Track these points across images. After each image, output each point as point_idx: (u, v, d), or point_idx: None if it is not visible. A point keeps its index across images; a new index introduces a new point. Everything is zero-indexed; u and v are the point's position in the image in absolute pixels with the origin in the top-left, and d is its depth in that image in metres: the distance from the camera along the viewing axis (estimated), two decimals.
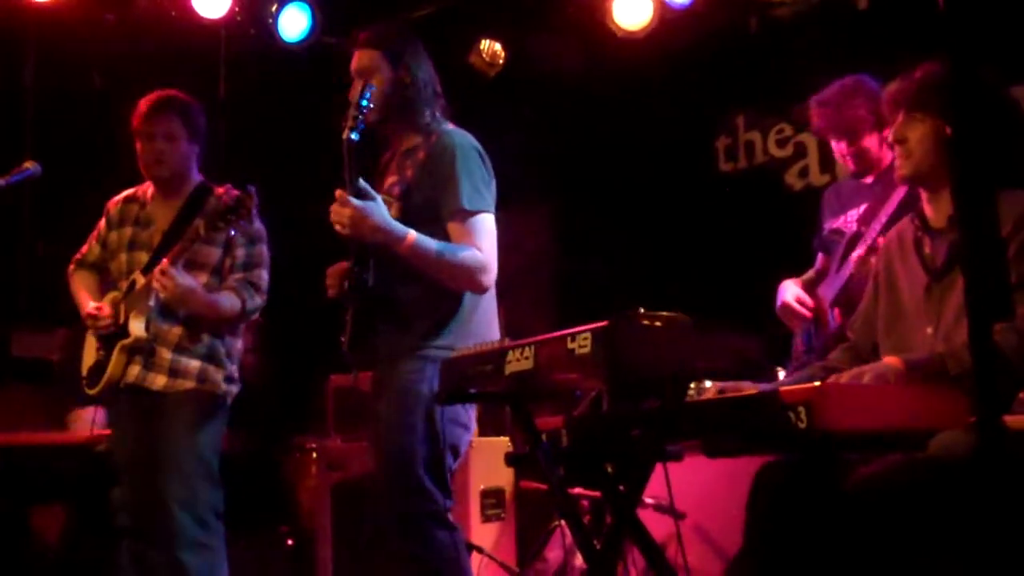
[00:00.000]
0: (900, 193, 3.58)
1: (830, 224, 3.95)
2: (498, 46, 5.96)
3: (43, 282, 5.58)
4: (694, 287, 5.18)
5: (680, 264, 5.62)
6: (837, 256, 3.81)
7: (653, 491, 3.16)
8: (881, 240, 3.56)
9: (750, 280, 5.05)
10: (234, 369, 3.83)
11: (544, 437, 2.63)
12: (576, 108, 6.18)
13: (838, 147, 3.92)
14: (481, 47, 5.93)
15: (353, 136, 3.09)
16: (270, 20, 5.63)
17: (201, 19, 5.52)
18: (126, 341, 3.69)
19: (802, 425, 2.10)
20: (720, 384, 2.53)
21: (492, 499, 4.60)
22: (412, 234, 3.08)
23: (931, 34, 1.57)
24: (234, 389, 3.82)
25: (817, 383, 2.22)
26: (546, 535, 4.48)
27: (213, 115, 5.52)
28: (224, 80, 6.02)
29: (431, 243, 3.09)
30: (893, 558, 2.36)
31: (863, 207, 3.78)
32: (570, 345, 2.24)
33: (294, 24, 5.69)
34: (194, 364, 3.72)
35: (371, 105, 3.13)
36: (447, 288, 3.15)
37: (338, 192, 3.06)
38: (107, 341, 3.76)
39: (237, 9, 5.56)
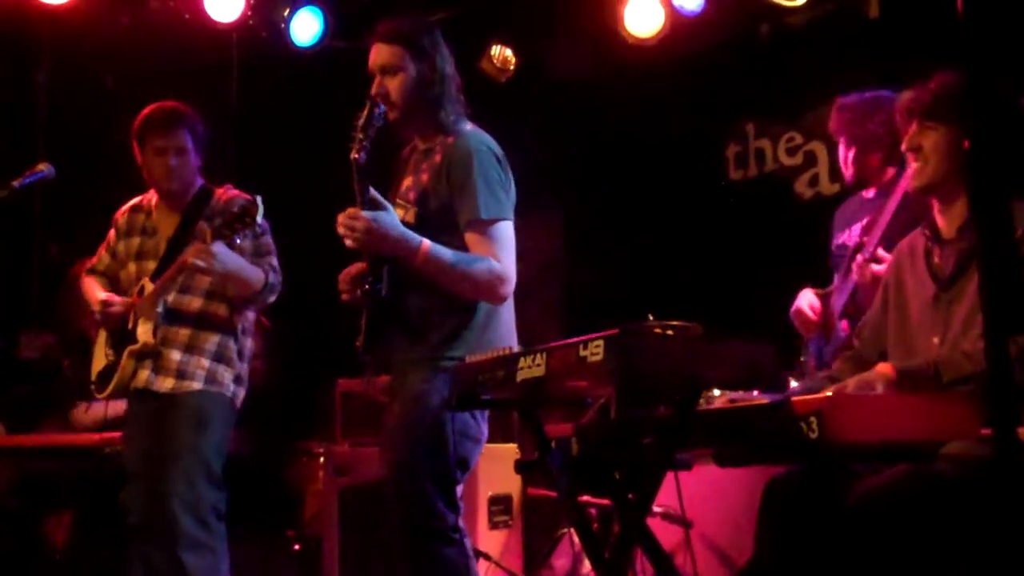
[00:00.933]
0: (894, 202, 3.59)
1: (836, 240, 3.99)
2: (509, 52, 5.97)
3: (54, 283, 5.61)
4: (704, 295, 5.18)
5: (690, 272, 5.61)
6: (843, 269, 3.83)
7: (662, 499, 3.16)
8: (881, 249, 3.57)
9: (760, 289, 5.05)
10: (244, 368, 3.84)
11: (553, 444, 2.63)
12: (587, 114, 6.18)
13: (845, 152, 3.93)
14: (492, 53, 5.94)
15: (362, 157, 3.01)
16: (282, 24, 5.64)
17: (213, 23, 5.53)
18: (134, 347, 3.70)
19: (813, 435, 2.10)
20: (730, 393, 2.52)
21: (500, 506, 4.59)
22: (426, 244, 3.00)
23: (946, 43, 1.57)
24: (241, 392, 3.83)
25: (828, 393, 2.21)
26: (553, 542, 4.48)
27: (225, 118, 5.54)
28: (236, 83, 6.04)
29: (446, 253, 3.02)
30: (902, 569, 2.35)
31: (866, 220, 3.81)
32: (582, 352, 2.24)
33: (306, 28, 5.70)
34: (204, 363, 3.73)
35: (381, 123, 3.06)
36: (462, 298, 3.09)
37: (349, 209, 3.00)
38: (116, 345, 3.77)
39: (249, 13, 5.57)
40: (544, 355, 2.37)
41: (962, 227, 2.69)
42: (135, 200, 4.00)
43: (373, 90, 3.15)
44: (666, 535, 3.15)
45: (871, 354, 2.82)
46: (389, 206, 3.04)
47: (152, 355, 3.71)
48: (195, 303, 3.77)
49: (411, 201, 3.18)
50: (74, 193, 5.26)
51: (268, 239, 3.84)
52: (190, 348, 3.73)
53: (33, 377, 5.05)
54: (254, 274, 3.71)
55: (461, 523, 3.08)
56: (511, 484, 4.61)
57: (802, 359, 3.86)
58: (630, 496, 2.47)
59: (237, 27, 5.63)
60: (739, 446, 2.33)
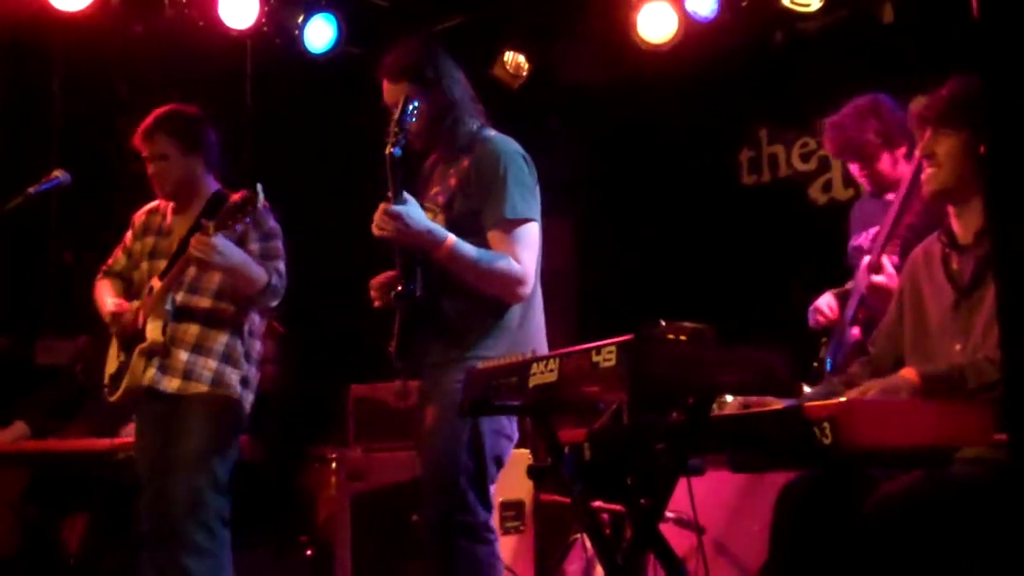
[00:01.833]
0: (894, 209, 3.59)
1: (853, 242, 3.98)
2: (522, 58, 5.97)
3: (69, 290, 5.64)
4: (717, 301, 5.17)
5: (704, 277, 5.60)
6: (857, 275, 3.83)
7: (675, 505, 3.15)
8: (885, 257, 3.57)
9: (774, 294, 5.04)
10: (251, 371, 3.81)
11: (566, 450, 2.62)
12: (600, 120, 6.18)
13: (853, 168, 3.93)
14: (505, 59, 5.94)
15: (396, 151, 3.06)
16: (296, 31, 5.66)
17: (228, 30, 5.55)
18: (143, 344, 3.70)
19: (827, 441, 2.09)
20: (744, 399, 2.52)
21: (512, 511, 4.59)
22: (452, 238, 3.08)
23: (960, 48, 1.56)
24: (249, 395, 3.79)
25: (843, 399, 2.21)
26: (565, 548, 4.47)
27: (239, 125, 5.56)
28: (250, 90, 6.06)
29: (470, 249, 3.09)
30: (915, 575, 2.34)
31: (868, 258, 3.80)
32: (595, 358, 2.24)
33: (320, 35, 5.71)
34: (211, 365, 3.71)
35: (414, 120, 3.11)
36: (493, 299, 3.15)
37: (381, 205, 3.06)
38: (127, 346, 3.78)
39: (263, 20, 5.59)
40: (556, 361, 2.37)
41: (979, 233, 2.67)
42: (154, 203, 4.01)
43: (392, 117, 3.17)
44: (679, 541, 3.14)
45: (886, 361, 2.81)
46: (414, 200, 3.10)
47: (161, 352, 3.70)
48: (204, 302, 3.76)
49: (440, 205, 3.24)
50: (89, 200, 5.29)
51: (278, 243, 3.82)
52: (198, 348, 3.72)
53: (59, 381, 5.05)
54: (257, 272, 3.68)
55: (493, 524, 3.12)
56: (523, 490, 4.60)
57: (815, 364, 3.84)
58: (643, 502, 2.46)
59: (251, 34, 5.65)
60: (752, 452, 2.32)
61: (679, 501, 2.60)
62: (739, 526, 3.72)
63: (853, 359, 3.46)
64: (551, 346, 3.30)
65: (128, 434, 4.28)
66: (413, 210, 3.07)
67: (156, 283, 3.75)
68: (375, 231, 3.10)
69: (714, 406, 2.45)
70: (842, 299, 3.89)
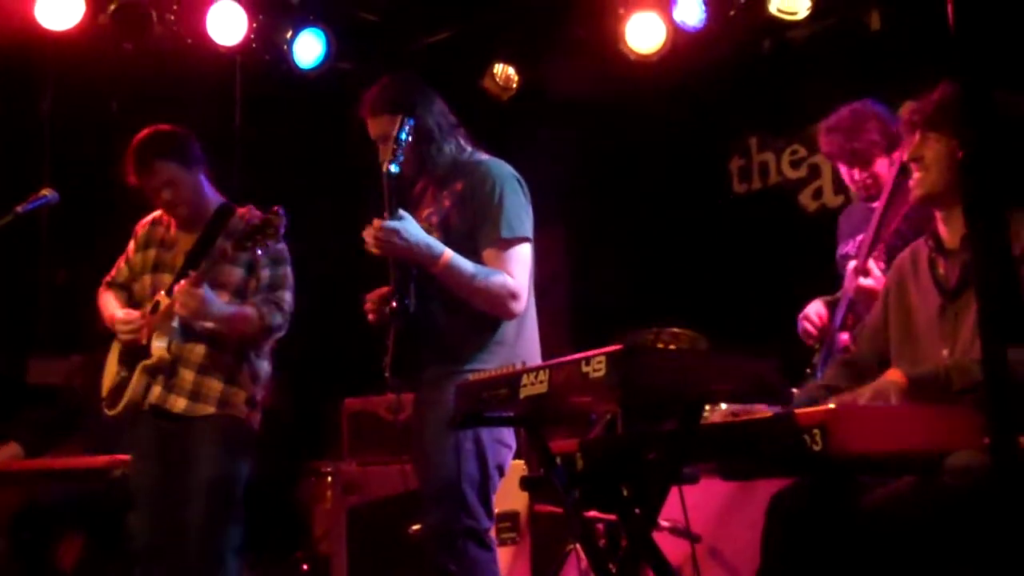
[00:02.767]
0: (878, 214, 3.60)
1: (841, 249, 3.98)
2: (511, 70, 5.98)
3: (61, 309, 5.62)
4: (708, 309, 5.17)
5: (694, 286, 5.61)
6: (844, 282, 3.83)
7: (668, 514, 3.15)
8: (872, 261, 3.58)
9: (764, 302, 5.05)
10: (257, 391, 3.77)
11: (559, 460, 2.63)
12: (590, 130, 6.19)
13: (849, 172, 3.92)
14: (495, 71, 5.96)
15: (393, 168, 3.13)
16: (285, 47, 5.67)
17: (216, 46, 5.56)
18: (148, 361, 3.67)
19: (817, 448, 2.10)
20: (733, 407, 2.52)
21: (507, 522, 4.58)
22: (448, 253, 3.13)
23: (943, 56, 1.57)
24: (256, 415, 3.77)
25: (832, 406, 2.21)
26: (561, 558, 4.46)
27: (229, 141, 5.57)
28: (240, 106, 6.06)
29: (467, 264, 3.15)
30: None
31: (854, 263, 3.81)
32: (584, 369, 2.24)
33: (309, 50, 5.72)
34: (216, 386, 3.69)
35: (410, 138, 3.18)
36: (484, 313, 3.20)
37: (376, 220, 3.10)
38: (129, 361, 3.75)
39: (252, 36, 5.60)
40: (547, 372, 2.37)
41: (965, 237, 2.68)
42: (157, 213, 3.97)
43: (381, 157, 3.25)
44: (673, 550, 3.15)
45: (870, 361, 2.81)
46: (411, 217, 3.15)
47: (166, 371, 3.68)
48: (210, 323, 3.70)
49: (434, 225, 3.30)
50: (79, 218, 5.29)
51: (286, 270, 3.79)
52: (204, 368, 3.69)
53: (52, 400, 5.03)
54: (248, 316, 3.67)
55: (493, 535, 3.17)
56: (518, 501, 4.60)
57: (807, 371, 3.85)
58: (636, 511, 2.47)
59: (240, 50, 5.66)
60: (743, 459, 2.33)
61: (673, 510, 2.60)
62: (732, 534, 3.72)
63: (832, 360, 3.48)
64: (544, 354, 3.32)
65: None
66: (410, 225, 3.12)
67: (163, 299, 3.69)
68: (370, 246, 3.12)
69: (705, 414, 2.46)
70: (831, 306, 3.90)
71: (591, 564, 2.64)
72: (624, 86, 5.74)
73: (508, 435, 3.22)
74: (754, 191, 5.88)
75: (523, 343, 3.27)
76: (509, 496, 4.56)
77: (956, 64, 1.45)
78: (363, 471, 5.00)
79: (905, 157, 2.83)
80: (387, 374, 3.21)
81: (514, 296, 3.19)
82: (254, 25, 5.56)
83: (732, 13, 5.22)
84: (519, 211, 3.24)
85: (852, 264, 3.68)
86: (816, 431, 2.10)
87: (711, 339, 2.77)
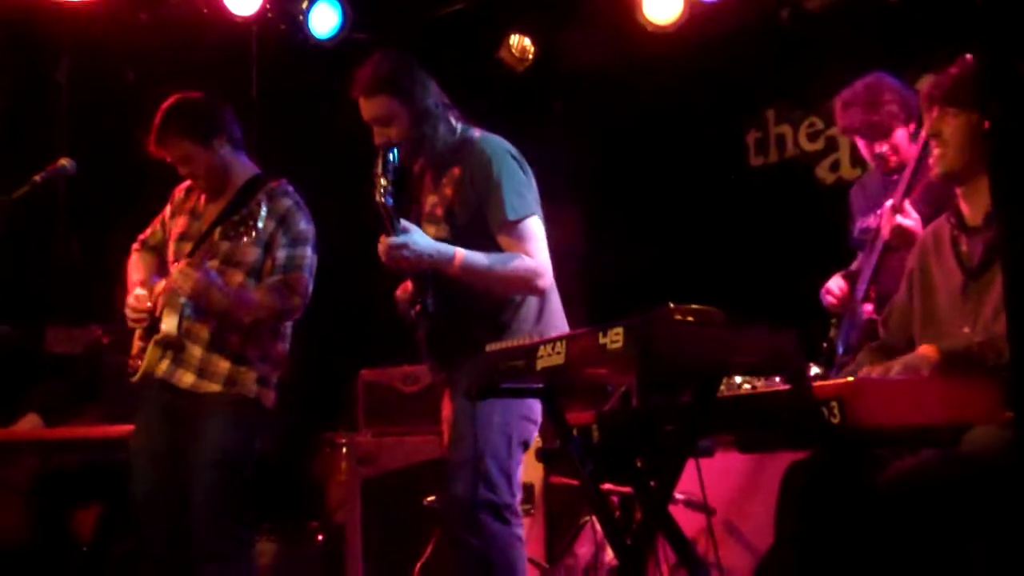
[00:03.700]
0: (906, 178, 3.56)
1: (861, 223, 3.94)
2: (527, 41, 5.95)
3: (78, 278, 5.64)
4: (725, 282, 5.16)
5: (711, 259, 5.59)
6: (866, 251, 3.81)
7: (684, 487, 3.16)
8: (907, 202, 3.56)
9: (781, 274, 5.04)
10: (268, 371, 3.72)
11: (575, 432, 2.63)
12: (605, 103, 6.16)
13: (868, 147, 3.89)
14: (510, 42, 5.93)
15: (388, 201, 3.13)
16: (301, 17, 5.65)
17: (232, 16, 5.55)
18: (158, 336, 3.65)
19: (835, 420, 2.10)
20: (752, 379, 2.52)
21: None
22: (460, 253, 3.15)
23: (967, 26, 1.56)
24: (269, 393, 3.71)
25: (850, 378, 2.21)
26: (576, 530, 4.48)
27: (244, 111, 5.57)
28: (256, 76, 6.05)
29: (480, 258, 3.16)
30: (925, 554, 2.34)
31: (891, 202, 3.77)
32: (602, 340, 2.24)
33: (325, 21, 5.70)
34: (223, 364, 3.64)
35: (398, 164, 3.18)
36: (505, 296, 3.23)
37: (383, 238, 3.13)
38: (146, 332, 3.73)
39: (268, 6, 5.58)
40: (564, 343, 2.37)
41: (989, 215, 2.66)
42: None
43: (376, 140, 3.27)
44: (688, 522, 3.15)
45: (899, 342, 2.80)
46: (414, 227, 3.17)
47: (175, 346, 3.66)
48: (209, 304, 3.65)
49: (440, 217, 3.32)
50: (96, 188, 5.29)
51: (306, 251, 3.70)
52: (212, 346, 3.65)
53: (71, 370, 5.05)
54: (254, 299, 3.63)
55: (519, 509, 3.19)
56: (533, 473, 4.61)
57: (824, 345, 3.84)
58: (652, 484, 2.47)
59: (256, 20, 5.64)
60: (761, 432, 2.33)
61: (688, 483, 2.60)
62: (748, 507, 3.73)
63: (866, 336, 3.46)
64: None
65: None
66: (416, 236, 3.14)
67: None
68: (385, 262, 3.15)
69: (722, 387, 2.45)
70: (851, 280, 3.88)
71: (607, 536, 2.65)
72: (640, 58, 5.71)
73: (534, 411, 3.23)
74: (771, 164, 5.84)
75: (547, 317, 3.29)
76: (525, 468, 4.55)
77: (982, 34, 1.43)
78: (378, 442, 5.01)
79: (924, 133, 2.81)
80: (432, 374, 3.39)
81: (537, 274, 3.21)
82: None
83: None
84: (520, 188, 3.24)
85: (888, 203, 3.62)
86: (834, 404, 2.10)
87: (727, 312, 2.75)
